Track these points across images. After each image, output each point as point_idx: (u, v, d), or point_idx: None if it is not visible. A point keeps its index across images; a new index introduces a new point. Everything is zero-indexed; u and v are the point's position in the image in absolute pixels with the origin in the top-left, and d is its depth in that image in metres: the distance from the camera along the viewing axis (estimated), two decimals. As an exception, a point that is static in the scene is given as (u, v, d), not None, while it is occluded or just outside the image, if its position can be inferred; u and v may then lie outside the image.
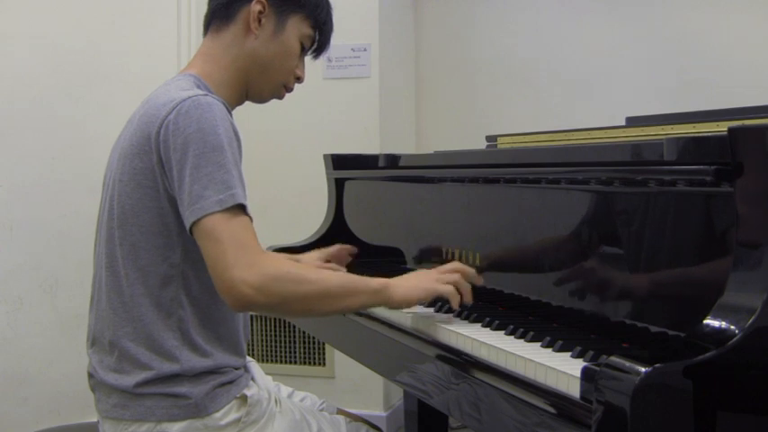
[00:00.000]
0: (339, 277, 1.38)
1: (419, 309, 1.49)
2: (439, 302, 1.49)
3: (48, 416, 2.53)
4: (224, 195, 1.22)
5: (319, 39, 1.52)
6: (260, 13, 1.43)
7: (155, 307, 1.31)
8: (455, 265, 1.45)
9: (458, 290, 1.37)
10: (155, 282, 1.31)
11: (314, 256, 1.74)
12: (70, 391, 2.50)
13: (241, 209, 1.24)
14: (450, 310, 1.43)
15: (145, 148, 1.30)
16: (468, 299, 1.38)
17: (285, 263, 1.33)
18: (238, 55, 1.44)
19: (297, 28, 1.47)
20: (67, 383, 2.52)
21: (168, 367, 1.30)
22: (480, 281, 1.45)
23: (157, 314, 1.31)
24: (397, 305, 1.35)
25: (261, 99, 1.52)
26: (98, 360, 1.37)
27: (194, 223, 1.23)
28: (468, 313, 1.41)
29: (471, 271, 1.43)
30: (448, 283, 1.37)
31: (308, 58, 1.55)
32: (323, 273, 1.38)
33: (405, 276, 1.39)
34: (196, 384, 1.31)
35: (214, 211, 1.21)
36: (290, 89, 1.52)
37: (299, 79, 1.52)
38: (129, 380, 1.31)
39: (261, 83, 1.48)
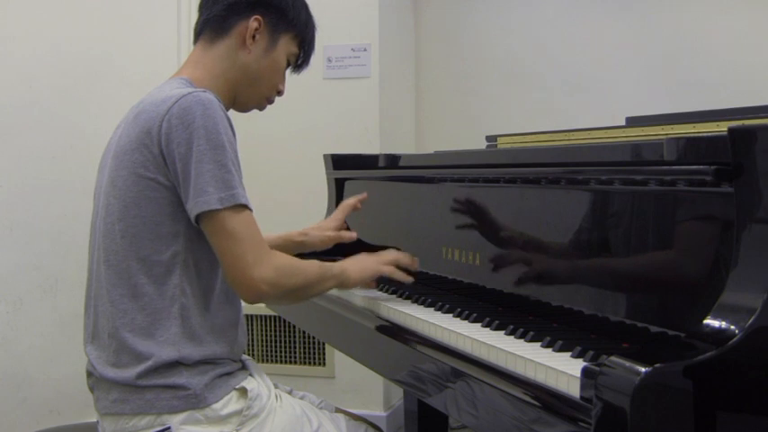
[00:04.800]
0: (314, 265, 1.48)
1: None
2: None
3: (47, 416, 2.53)
4: (224, 194, 1.28)
5: (303, 57, 1.59)
6: (256, 29, 1.48)
7: (158, 296, 1.33)
8: (391, 252, 1.63)
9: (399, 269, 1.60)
10: (158, 270, 1.33)
11: (329, 225, 1.82)
12: (70, 391, 2.50)
13: (244, 206, 1.31)
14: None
15: (145, 142, 1.33)
16: (410, 275, 1.60)
17: (283, 256, 1.41)
18: (230, 67, 1.49)
19: (286, 46, 1.54)
20: (67, 383, 2.52)
21: (167, 354, 1.31)
22: (416, 266, 1.63)
23: (161, 302, 1.33)
24: (351, 286, 1.55)
25: (244, 109, 1.58)
26: (96, 356, 1.38)
27: (203, 216, 1.29)
28: (469, 313, 1.41)
29: (406, 259, 1.62)
30: (388, 263, 1.59)
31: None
32: (304, 262, 1.47)
33: (351, 261, 1.57)
34: (195, 375, 1.33)
35: (217, 208, 1.28)
36: (271, 102, 1.59)
37: (279, 93, 1.58)
38: (129, 372, 1.32)
39: (248, 95, 1.53)
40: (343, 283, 1.52)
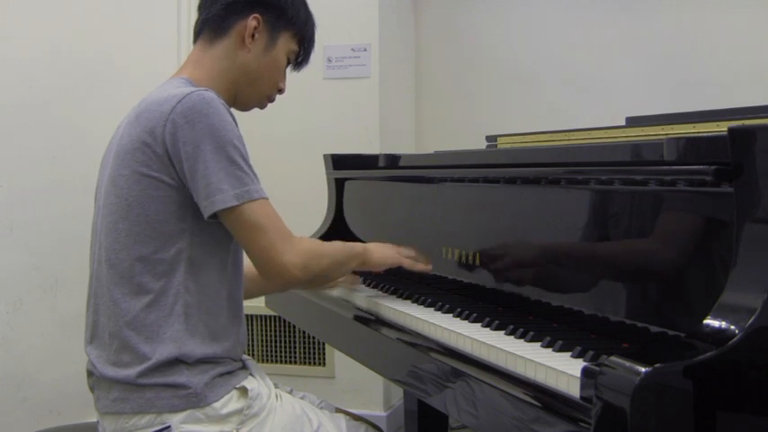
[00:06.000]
0: (338, 246, 1.53)
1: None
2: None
3: (48, 416, 2.53)
4: (240, 190, 1.30)
5: (303, 54, 1.59)
6: (255, 28, 1.48)
7: (161, 294, 1.33)
8: (410, 249, 1.67)
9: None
10: (162, 269, 1.33)
11: None
12: (70, 391, 2.50)
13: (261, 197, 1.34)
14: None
15: (147, 141, 1.33)
16: (425, 267, 1.66)
17: (309, 240, 1.47)
18: (230, 67, 1.49)
19: (286, 44, 1.54)
20: (67, 383, 2.52)
21: (169, 351, 1.31)
22: (429, 269, 1.68)
23: (164, 300, 1.33)
24: (372, 266, 1.59)
25: (245, 108, 1.58)
26: (97, 355, 1.38)
27: (222, 214, 1.31)
28: (469, 313, 1.41)
29: (422, 258, 1.68)
30: (408, 257, 1.64)
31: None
32: (328, 244, 1.51)
33: (375, 245, 1.63)
34: (195, 374, 1.33)
35: (235, 204, 1.30)
36: (272, 100, 1.59)
37: (280, 91, 1.59)
38: (130, 371, 1.32)
39: (248, 94, 1.54)
40: (365, 263, 1.57)
